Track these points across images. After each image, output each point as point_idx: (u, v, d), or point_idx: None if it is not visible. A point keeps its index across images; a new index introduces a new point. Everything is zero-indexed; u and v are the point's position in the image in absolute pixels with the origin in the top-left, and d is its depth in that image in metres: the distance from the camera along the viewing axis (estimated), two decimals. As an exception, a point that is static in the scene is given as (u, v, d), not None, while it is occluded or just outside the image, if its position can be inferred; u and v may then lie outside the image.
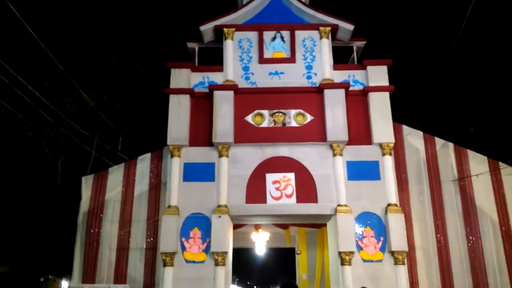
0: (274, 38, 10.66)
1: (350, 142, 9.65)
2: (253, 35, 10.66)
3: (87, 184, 10.28)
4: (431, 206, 9.59)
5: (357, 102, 10.07)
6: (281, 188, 9.57)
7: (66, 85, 12.20)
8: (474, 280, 8.99)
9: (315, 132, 9.75)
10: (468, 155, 9.97)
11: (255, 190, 9.50)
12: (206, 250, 9.01)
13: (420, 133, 10.26)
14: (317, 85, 10.07)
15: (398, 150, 9.93)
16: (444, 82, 12.01)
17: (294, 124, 9.88)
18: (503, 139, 11.24)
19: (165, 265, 8.86)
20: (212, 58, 11.07)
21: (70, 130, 12.14)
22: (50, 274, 13.39)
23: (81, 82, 11.94)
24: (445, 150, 10.06)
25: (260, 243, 13.56)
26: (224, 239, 8.98)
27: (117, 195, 10.08)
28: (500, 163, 9.75)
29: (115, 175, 10.29)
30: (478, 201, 9.56)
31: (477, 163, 9.83)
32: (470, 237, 9.31)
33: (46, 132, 12.32)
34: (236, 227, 11.88)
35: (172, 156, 9.68)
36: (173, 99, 10.06)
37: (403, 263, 8.79)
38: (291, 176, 9.62)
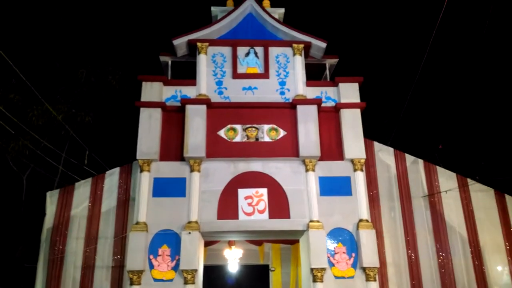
0: (248, 54, 10.70)
1: (322, 158, 9.67)
2: (227, 50, 10.66)
3: (52, 199, 9.87)
4: (402, 222, 9.65)
5: (329, 118, 10.15)
6: (253, 204, 9.45)
7: (34, 98, 11.81)
8: (444, 297, 9.02)
9: (288, 147, 9.74)
10: (437, 171, 10.15)
11: (227, 205, 9.35)
12: (175, 268, 8.72)
13: (391, 149, 10.40)
14: (290, 100, 10.11)
15: (369, 166, 10.02)
16: (413, 100, 12.30)
17: (267, 139, 9.84)
18: (472, 156, 11.55)
19: (132, 284, 8.50)
20: (185, 72, 10.99)
21: (36, 143, 11.71)
22: (11, 295, 12.68)
23: (49, 94, 11.61)
24: (415, 167, 10.21)
25: (233, 260, 13.31)
26: (194, 256, 8.73)
27: (83, 210, 9.71)
28: (468, 179, 9.96)
29: (82, 190, 9.93)
30: (447, 217, 9.69)
31: (447, 179, 10.01)
32: (440, 253, 9.38)
33: (10, 146, 11.84)
34: (208, 244, 11.65)
35: (141, 170, 9.43)
36: (144, 113, 9.87)
37: (375, 279, 8.75)
38: (263, 191, 9.53)
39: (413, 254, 9.37)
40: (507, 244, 9.45)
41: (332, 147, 9.88)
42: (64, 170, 12.07)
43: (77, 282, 9.03)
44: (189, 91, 10.26)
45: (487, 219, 9.65)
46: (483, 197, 9.86)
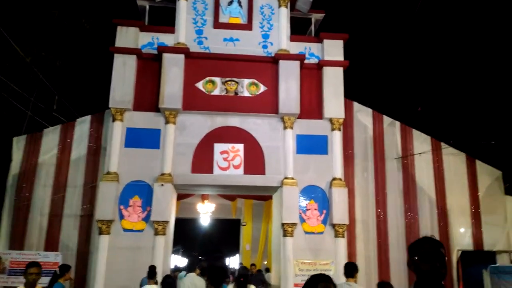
0: (231, 2, 10.17)
1: (301, 116, 9.54)
2: (209, -3, 10.08)
3: (18, 145, 9.49)
4: (374, 181, 9.81)
5: (311, 76, 9.93)
6: (229, 159, 9.33)
7: (0, 38, 10.98)
8: (408, 254, 9.34)
9: (267, 104, 9.53)
10: (412, 134, 10.24)
11: (202, 159, 9.20)
12: (146, 218, 8.65)
13: (370, 110, 10.37)
14: (273, 55, 9.78)
15: (347, 126, 9.99)
16: (395, 61, 12.17)
17: (246, 94, 9.59)
18: (447, 120, 11.67)
19: (100, 233, 8.40)
20: (164, 19, 10.38)
21: (3, 86, 11.01)
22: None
23: (17, 35, 10.78)
24: (392, 129, 10.25)
25: (205, 213, 13.40)
26: (166, 208, 8.66)
27: (51, 158, 9.39)
28: (442, 143, 10.09)
29: (51, 137, 9.56)
30: (418, 179, 9.90)
31: (421, 142, 10.13)
32: (408, 213, 9.65)
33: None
34: (181, 197, 11.60)
35: (114, 119, 9.08)
36: (118, 59, 9.38)
37: (343, 236, 8.96)
38: (240, 147, 9.41)
39: (381, 213, 9.60)
40: (472, 207, 9.78)
41: (311, 105, 9.73)
42: (32, 115, 11.51)
43: (44, 230, 8.88)
44: (167, 39, 9.75)
45: (456, 182, 9.93)
46: (454, 161, 10.09)
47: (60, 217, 8.96)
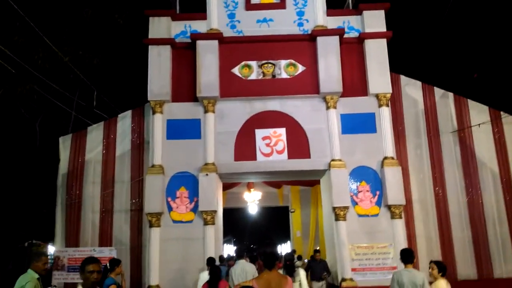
0: (261, -18, 9.72)
1: (344, 94, 9.05)
2: (239, -21, 9.69)
3: (65, 145, 9.66)
4: (429, 158, 9.18)
5: (352, 51, 9.38)
6: (271, 144, 9.04)
7: (38, 40, 11.21)
8: (473, 233, 8.74)
9: (307, 84, 9.11)
10: (468, 104, 9.47)
11: (244, 147, 8.97)
12: (194, 209, 8.58)
13: (419, 83, 9.68)
14: (309, 32, 9.31)
15: (395, 102, 9.39)
16: (444, 29, 11.24)
17: (284, 75, 9.20)
18: (505, 88, 10.68)
19: (151, 226, 8.44)
20: (195, 6, 10.15)
21: (45, 88, 11.30)
22: (34, 239, 13.01)
23: (54, 36, 10.97)
24: (445, 101, 9.53)
25: (252, 202, 13.26)
26: (213, 197, 8.53)
27: (97, 155, 9.49)
28: (501, 112, 9.26)
29: (95, 135, 9.66)
30: (478, 152, 9.16)
31: (478, 113, 9.35)
32: (470, 189, 8.97)
33: (17, 90, 11.47)
34: (227, 187, 11.50)
35: (154, 112, 9.02)
36: (153, 51, 9.27)
37: (400, 217, 8.46)
38: (282, 131, 9.08)
39: (440, 191, 8.98)
40: (542, 178, 8.92)
41: (355, 82, 9.20)
42: (76, 115, 11.77)
43: (96, 226, 9.03)
44: (200, 26, 9.53)
45: (520, 153, 9.07)
46: (517, 130, 9.21)
47: (111, 212, 9.07)
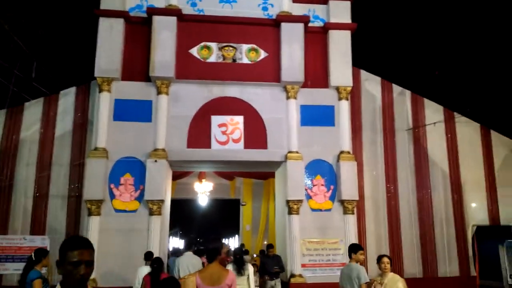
0: (226, -40, 9.18)
1: (305, 84, 8.79)
2: (202, -47, 9.08)
3: (-2, 121, 8.64)
4: (383, 155, 9.18)
5: (316, 41, 9.11)
6: (227, 132, 8.60)
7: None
8: (421, 231, 8.88)
9: (269, 71, 8.75)
10: (424, 103, 9.57)
11: (198, 133, 8.46)
12: (139, 198, 7.96)
13: (378, 78, 9.65)
14: (274, 17, 8.92)
15: (354, 96, 9.28)
16: (405, 25, 11.30)
17: (245, 60, 8.78)
18: (461, 89, 10.92)
19: (90, 214, 7.72)
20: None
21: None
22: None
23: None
24: (402, 98, 9.58)
25: (203, 193, 12.78)
26: (161, 186, 7.96)
27: (34, 134, 8.60)
28: (455, 113, 9.43)
29: (32, 111, 8.74)
30: (430, 151, 9.29)
31: (433, 112, 9.48)
32: (420, 188, 9.08)
33: None
34: (177, 176, 10.91)
35: (100, 90, 8.26)
36: (104, 23, 8.48)
37: (353, 213, 8.38)
38: (239, 119, 8.66)
39: (392, 188, 9.02)
40: (488, 180, 9.21)
41: (316, 73, 8.96)
42: (14, 89, 10.61)
43: (29, 212, 8.18)
44: (157, 1, 8.83)
45: (470, 154, 9.33)
46: (468, 131, 9.47)
47: (46, 198, 8.24)
